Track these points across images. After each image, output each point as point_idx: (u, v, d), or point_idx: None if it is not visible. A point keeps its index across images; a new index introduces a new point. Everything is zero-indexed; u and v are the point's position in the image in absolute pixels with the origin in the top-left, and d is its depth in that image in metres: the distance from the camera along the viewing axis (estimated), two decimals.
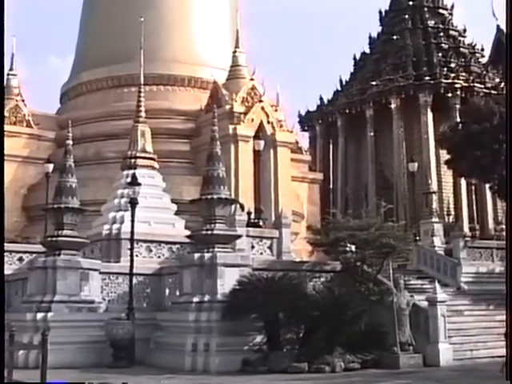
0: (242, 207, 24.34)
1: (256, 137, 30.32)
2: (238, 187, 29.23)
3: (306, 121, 47.39)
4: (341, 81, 47.46)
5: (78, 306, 19.29)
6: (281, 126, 31.73)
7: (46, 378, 11.37)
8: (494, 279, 26.82)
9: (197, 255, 18.73)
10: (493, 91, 40.27)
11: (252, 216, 26.06)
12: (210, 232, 18.77)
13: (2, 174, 16.82)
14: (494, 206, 40.90)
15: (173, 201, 25.02)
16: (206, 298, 18.12)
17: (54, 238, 19.79)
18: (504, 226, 39.90)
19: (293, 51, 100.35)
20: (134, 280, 20.09)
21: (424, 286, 23.22)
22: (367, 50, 47.65)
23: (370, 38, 47.76)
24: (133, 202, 20.74)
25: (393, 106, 41.21)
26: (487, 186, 34.98)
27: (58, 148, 31.78)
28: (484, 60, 46.34)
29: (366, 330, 17.82)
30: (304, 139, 44.92)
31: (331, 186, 44.97)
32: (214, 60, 34.47)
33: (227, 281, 18.19)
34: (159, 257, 22.64)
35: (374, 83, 42.65)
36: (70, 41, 44.75)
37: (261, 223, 26.18)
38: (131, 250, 20.18)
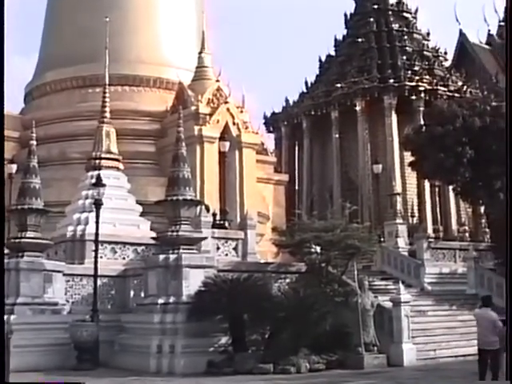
0: (208, 209, 24.33)
1: (221, 138, 30.29)
2: (204, 188, 29.16)
3: (272, 122, 47.51)
4: (306, 83, 47.68)
5: (42, 308, 19.12)
6: (246, 128, 31.73)
7: (8, 380, 11.24)
8: (456, 280, 27.20)
9: (162, 257, 18.68)
10: (456, 94, 40.75)
11: (217, 217, 26.05)
12: (175, 233, 18.73)
13: (2, 174, 16.64)
14: (457, 207, 41.37)
15: (138, 202, 24.90)
16: (171, 299, 18.07)
17: (17, 240, 19.60)
18: (467, 228, 40.46)
19: (259, 53, 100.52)
20: (99, 282, 19.95)
21: (388, 287, 23.41)
22: (333, 53, 47.89)
23: (335, 40, 48.01)
24: (97, 204, 20.61)
25: (358, 108, 41.49)
26: (450, 187, 35.40)
27: (21, 148, 31.42)
28: (447, 63, 46.94)
29: (330, 331, 17.92)
30: (269, 141, 45.02)
31: (297, 188, 45.14)
32: (180, 61, 34.36)
33: (192, 282, 18.17)
34: (124, 258, 22.53)
35: (339, 85, 42.91)
36: (35, 39, 44.33)
37: (226, 225, 26.18)
38: (96, 251, 20.03)
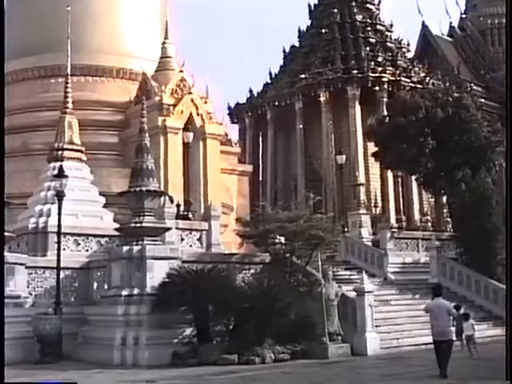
0: (171, 199, 24.23)
1: (185, 129, 30.16)
2: (167, 179, 29.03)
3: (236, 113, 47.49)
4: (270, 73, 47.75)
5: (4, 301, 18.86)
6: (210, 118, 31.63)
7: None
8: (419, 269, 27.52)
9: (125, 248, 18.58)
10: (418, 85, 41.17)
11: (181, 208, 25.96)
12: (138, 225, 18.64)
13: (2, 173, 16.37)
14: (419, 197, 41.81)
15: (101, 193, 24.71)
16: (135, 291, 17.99)
17: None
18: (429, 217, 40.93)
19: (223, 44, 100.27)
20: (62, 274, 19.77)
21: (352, 277, 23.59)
22: (297, 44, 47.98)
23: (299, 31, 48.12)
24: (60, 195, 20.40)
25: (321, 98, 41.66)
26: (413, 178, 35.76)
27: None
28: (410, 55, 47.32)
29: (295, 321, 17.99)
30: (233, 131, 45.03)
31: (261, 178, 45.22)
32: (143, 51, 34.11)
33: (156, 273, 18.10)
34: (87, 250, 22.35)
35: (303, 76, 43.03)
36: None
37: (190, 216, 26.09)
38: (58, 243, 19.84)
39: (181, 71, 31.74)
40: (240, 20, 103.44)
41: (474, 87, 48.18)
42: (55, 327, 18.14)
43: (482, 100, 44.39)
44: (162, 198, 21.49)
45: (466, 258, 26.68)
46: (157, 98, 30.28)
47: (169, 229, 20.55)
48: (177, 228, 22.66)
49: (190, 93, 30.88)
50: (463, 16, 58.32)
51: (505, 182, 43.70)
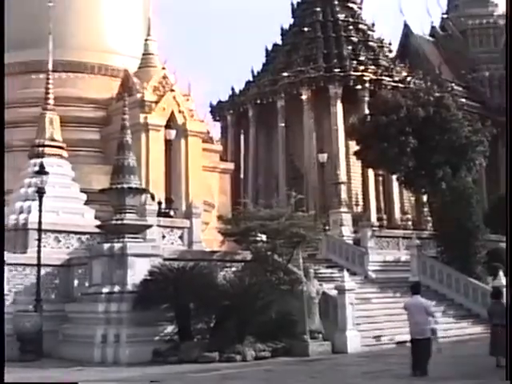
0: (153, 197, 24.18)
1: (167, 126, 30.10)
2: (149, 177, 28.94)
3: (218, 111, 47.47)
4: (253, 72, 47.78)
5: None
6: (192, 116, 31.58)
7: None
8: (399, 267, 27.66)
9: (107, 245, 18.53)
10: (400, 85, 41.34)
11: (163, 206, 25.92)
12: (120, 222, 18.58)
13: (2, 173, 16.28)
14: (400, 196, 42.01)
15: (82, 190, 24.60)
16: (116, 288, 17.94)
17: None
18: (410, 216, 41.15)
19: (206, 41, 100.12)
20: (42, 271, 19.68)
21: (333, 275, 23.64)
22: (279, 42, 48.02)
23: (281, 29, 48.15)
24: (40, 192, 20.30)
25: (304, 97, 41.73)
26: (394, 176, 35.93)
27: None
28: (392, 54, 47.52)
29: (276, 319, 18.03)
30: (215, 129, 45.01)
31: (242, 176, 45.23)
32: (126, 48, 33.97)
33: (138, 271, 18.06)
34: (68, 247, 22.22)
35: (285, 74, 43.08)
36: None
37: (171, 213, 26.07)
38: (39, 240, 19.74)
39: (163, 68, 31.66)
40: (223, 18, 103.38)
41: (455, 87, 48.48)
42: (35, 325, 18.06)
43: (463, 100, 44.73)
44: (144, 196, 21.44)
45: (447, 256, 26.86)
46: (139, 95, 30.18)
47: (150, 226, 20.52)
48: (158, 225, 22.62)
49: (172, 90, 30.81)
50: (444, 16, 58.65)
51: (485, 181, 44.08)
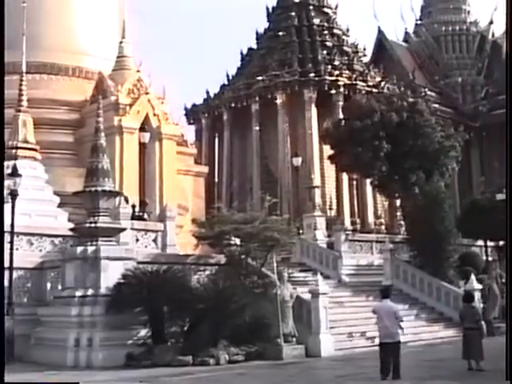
0: (127, 200, 24.08)
1: (142, 129, 30.03)
2: (123, 180, 28.84)
3: (193, 114, 47.38)
4: (227, 75, 47.75)
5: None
6: (167, 119, 31.53)
7: None
8: (373, 271, 27.82)
9: (80, 248, 18.41)
10: (374, 89, 41.54)
11: (137, 209, 25.83)
12: (93, 225, 18.49)
13: (2, 174, 16.06)
14: (374, 200, 42.21)
15: (55, 193, 24.44)
16: (90, 291, 17.84)
17: None
18: (383, 220, 41.37)
19: (181, 45, 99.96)
20: (14, 274, 19.50)
21: (307, 279, 23.69)
22: (254, 46, 48.06)
23: (256, 33, 48.20)
24: (13, 194, 20.11)
25: (278, 101, 41.77)
26: (368, 181, 36.12)
27: None
28: (366, 59, 47.78)
29: (250, 323, 18.04)
30: (190, 132, 44.94)
31: (216, 180, 45.17)
32: (100, 50, 33.84)
33: (111, 274, 17.97)
34: (41, 250, 22.02)
35: (259, 78, 43.11)
36: None
37: (145, 216, 25.99)
38: (11, 243, 19.53)
39: (138, 71, 31.59)
40: (198, 21, 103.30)
41: (429, 92, 48.87)
42: (7, 328, 17.85)
43: (436, 105, 45.13)
44: (118, 199, 21.35)
45: (419, 260, 27.05)
46: (113, 98, 30.08)
47: (124, 229, 20.42)
48: (132, 229, 22.52)
49: (147, 93, 30.76)
50: (418, 22, 59.13)
51: (457, 186, 44.38)
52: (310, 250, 28.39)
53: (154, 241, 23.31)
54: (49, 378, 14.93)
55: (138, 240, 22.74)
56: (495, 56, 56.54)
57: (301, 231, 29.53)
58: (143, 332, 17.79)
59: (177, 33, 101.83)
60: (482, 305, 23.27)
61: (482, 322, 15.68)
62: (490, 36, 58.14)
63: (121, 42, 32.63)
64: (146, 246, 22.87)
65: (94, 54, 33.74)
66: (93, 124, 20.36)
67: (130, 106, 30.17)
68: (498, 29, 58.95)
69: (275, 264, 19.58)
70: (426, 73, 55.08)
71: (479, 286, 24.37)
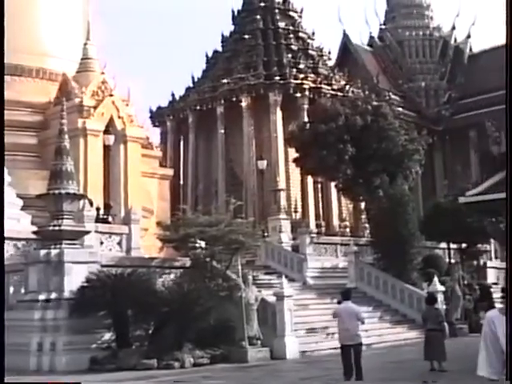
0: (91, 203, 23.94)
1: (106, 131, 29.86)
2: (87, 182, 28.65)
3: (158, 116, 47.24)
4: (193, 78, 47.68)
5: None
6: (131, 121, 31.39)
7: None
8: (337, 274, 27.99)
9: (43, 252, 18.24)
10: (339, 93, 41.82)
11: (101, 212, 25.69)
12: (57, 228, 18.33)
13: (2, 174, 15.76)
14: (338, 203, 42.47)
15: (18, 195, 24.20)
16: (53, 295, 17.68)
17: None
18: (347, 223, 41.63)
19: (147, 47, 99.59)
20: None
21: (272, 281, 23.76)
22: (219, 49, 48.07)
23: (222, 36, 48.22)
24: None
25: (243, 104, 41.84)
26: (333, 184, 36.35)
27: None
28: (331, 63, 48.07)
29: (214, 326, 18.02)
30: (155, 135, 44.78)
31: (182, 182, 45.11)
32: (64, 51, 33.57)
33: (75, 278, 17.83)
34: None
35: (225, 81, 43.14)
36: None
37: (110, 219, 25.85)
38: None
39: (102, 73, 31.40)
40: (163, 24, 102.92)
41: (392, 96, 49.34)
42: None
43: (400, 109, 45.58)
44: (82, 201, 21.21)
45: (383, 263, 27.28)
46: (77, 100, 29.86)
47: (88, 232, 20.28)
48: (96, 231, 22.40)
49: (111, 95, 30.59)
50: (382, 27, 59.66)
51: (420, 189, 44.77)
52: (275, 253, 28.46)
53: (119, 244, 23.21)
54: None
55: (102, 243, 22.62)
56: (458, 61, 57.33)
57: (266, 234, 29.58)
58: (107, 336, 17.68)
59: (143, 35, 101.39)
60: (444, 306, 23.56)
61: (445, 324, 15.87)
62: (452, 41, 58.92)
63: (85, 44, 32.39)
64: (110, 249, 22.77)
65: (58, 56, 33.47)
66: (57, 126, 20.20)
67: (95, 108, 29.97)
68: (461, 34, 59.84)
69: (240, 267, 19.60)
70: (389, 77, 55.61)
71: (442, 288, 24.65)
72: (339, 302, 19.41)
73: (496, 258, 35.88)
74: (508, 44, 5.22)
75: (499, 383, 3.61)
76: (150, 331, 17.91)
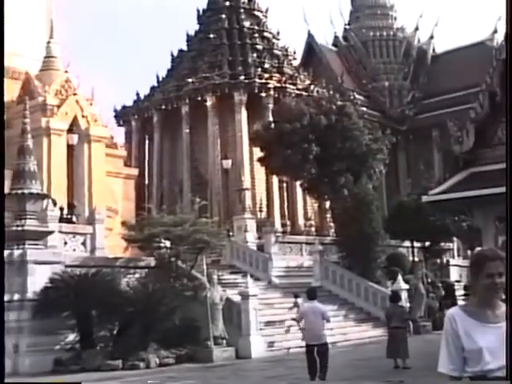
0: (55, 202, 23.72)
1: (70, 131, 29.59)
2: (51, 182, 28.36)
3: (122, 116, 46.93)
4: (158, 77, 47.46)
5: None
6: (96, 121, 31.14)
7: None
8: (302, 273, 28.11)
9: (6, 252, 18.01)
10: (304, 93, 41.90)
11: (65, 211, 25.46)
12: (20, 228, 18.15)
13: (2, 174, 15.38)
14: (304, 202, 42.58)
15: None
16: (16, 296, 17.50)
17: None
18: (313, 222, 41.80)
19: (111, 46, 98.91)
20: None
21: (237, 281, 23.78)
22: (185, 48, 47.91)
23: (187, 35, 48.07)
24: None
25: (208, 103, 41.74)
26: (298, 183, 36.46)
27: None
28: (296, 62, 48.19)
29: (180, 326, 18.01)
30: (120, 134, 44.50)
31: (146, 182, 44.85)
32: (27, 50, 33.18)
33: (38, 278, 17.68)
34: None
35: (190, 80, 43.00)
36: None
37: (74, 219, 25.63)
38: None
39: (66, 71, 31.10)
40: (129, 22, 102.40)
41: (357, 96, 49.60)
42: None
43: (364, 108, 45.88)
44: (45, 201, 21.01)
45: (348, 261, 27.46)
46: (40, 99, 29.55)
47: (51, 232, 20.10)
48: (60, 232, 22.20)
49: (75, 94, 30.31)
50: (347, 27, 60.00)
51: (384, 188, 45.02)
52: (240, 252, 28.49)
53: (83, 244, 23.03)
54: None
55: (66, 243, 22.42)
56: (421, 61, 57.90)
57: (231, 233, 29.61)
58: (71, 337, 17.56)
59: (107, 34, 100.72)
60: (408, 304, 23.79)
61: (409, 321, 16.04)
62: (415, 42, 59.48)
63: (48, 42, 32.05)
64: (74, 250, 22.58)
65: (20, 54, 33.05)
66: (19, 125, 20.02)
67: (58, 107, 29.67)
68: (424, 35, 60.46)
69: (205, 266, 19.60)
70: (354, 76, 55.95)
71: (406, 286, 24.90)
72: (296, 297, 19.59)
73: (459, 256, 36.34)
74: (508, 44, 5.31)
75: (460, 381, 3.68)
76: (115, 332, 17.84)
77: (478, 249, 4.18)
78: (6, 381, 11.02)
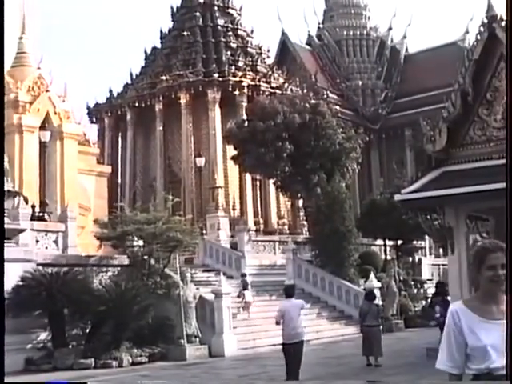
0: (26, 200, 23.48)
1: (42, 127, 29.33)
2: (22, 179, 28.10)
3: (95, 113, 46.64)
4: (131, 74, 47.24)
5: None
6: (68, 118, 30.91)
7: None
8: (275, 271, 28.16)
9: None
10: (277, 91, 41.97)
11: (36, 209, 25.23)
12: None
13: (2, 174, 15.08)
14: (277, 201, 42.64)
15: None
16: None
17: None
18: (286, 221, 41.90)
19: (85, 42, 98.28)
20: None
21: (210, 279, 23.78)
22: (158, 45, 47.74)
23: (161, 32, 47.90)
24: None
25: (182, 101, 41.64)
26: (271, 181, 36.51)
27: None
28: (270, 61, 48.24)
29: (153, 324, 17.97)
30: (93, 132, 44.21)
31: (119, 180, 44.65)
32: None
33: (9, 277, 17.47)
34: None
35: (163, 78, 42.86)
36: None
37: (46, 217, 25.42)
38: None
39: (38, 68, 30.83)
40: (103, 19, 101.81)
41: (330, 95, 49.75)
42: None
43: (337, 107, 45.98)
44: (17, 199, 20.83)
45: (321, 260, 27.56)
46: (12, 95, 29.25)
47: (23, 230, 19.92)
48: (32, 229, 21.99)
49: (48, 90, 30.06)
50: (321, 26, 60.20)
51: (357, 186, 45.30)
52: (214, 251, 28.48)
53: (55, 242, 22.84)
54: None
55: (37, 241, 22.23)
56: (394, 61, 58.27)
57: (204, 231, 29.58)
58: (43, 335, 17.44)
59: (81, 30, 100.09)
60: (380, 302, 23.93)
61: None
62: (389, 41, 59.84)
63: (20, 38, 31.74)
64: (46, 248, 22.40)
65: None
66: None
67: (30, 103, 29.41)
68: (397, 35, 60.84)
69: (178, 264, 19.56)
70: (327, 75, 56.15)
71: (378, 284, 25.05)
72: (243, 275, 20.05)
73: (431, 254, 36.64)
74: (508, 43, 5.32)
75: (459, 378, 3.59)
76: (87, 330, 17.75)
77: (479, 243, 4.07)
78: (5, 381, 10.92)
